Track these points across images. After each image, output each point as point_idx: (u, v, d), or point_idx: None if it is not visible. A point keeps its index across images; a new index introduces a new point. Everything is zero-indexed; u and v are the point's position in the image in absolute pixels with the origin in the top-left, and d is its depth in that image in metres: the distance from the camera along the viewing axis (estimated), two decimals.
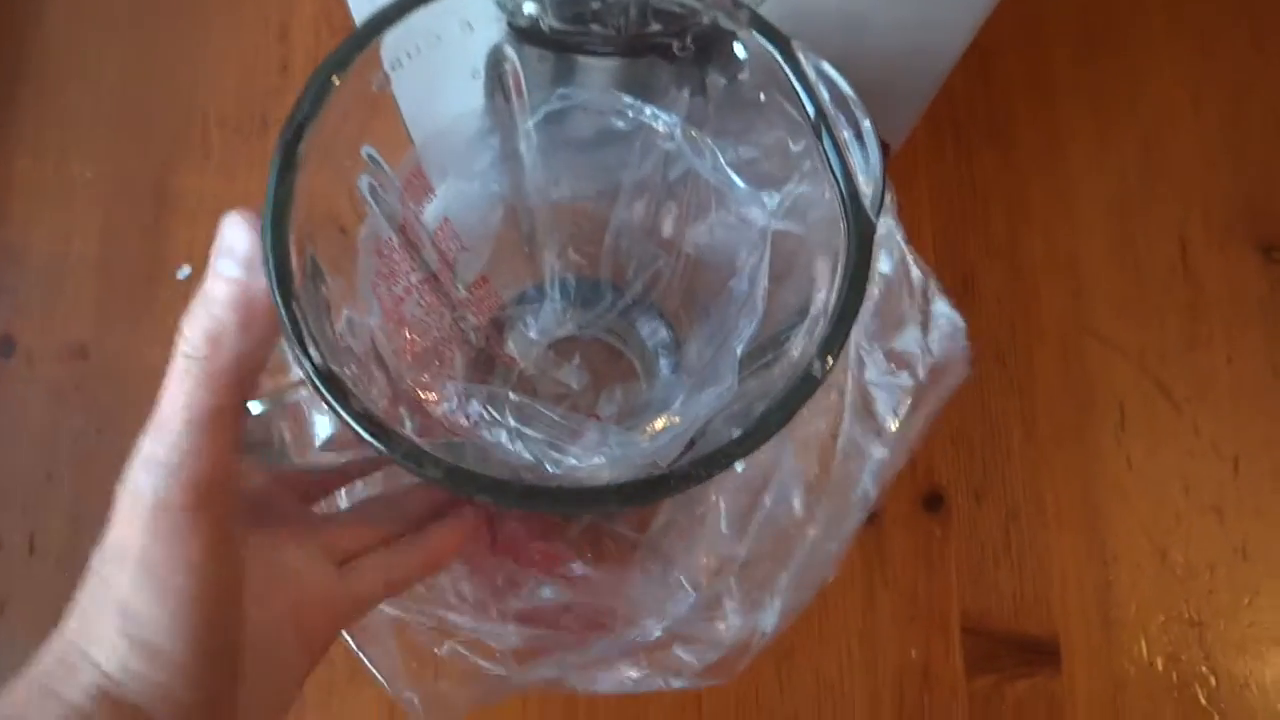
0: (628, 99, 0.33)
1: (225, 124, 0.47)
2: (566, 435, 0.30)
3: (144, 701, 0.21)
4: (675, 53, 0.34)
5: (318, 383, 0.22)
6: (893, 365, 0.33)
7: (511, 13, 0.32)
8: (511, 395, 0.30)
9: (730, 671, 0.33)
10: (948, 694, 0.41)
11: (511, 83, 0.32)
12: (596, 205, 0.37)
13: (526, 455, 0.28)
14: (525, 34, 0.33)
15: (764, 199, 0.32)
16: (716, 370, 0.32)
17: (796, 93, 0.27)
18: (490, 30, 0.30)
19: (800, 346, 0.27)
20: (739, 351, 0.30)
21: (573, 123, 0.33)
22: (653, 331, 0.42)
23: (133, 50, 0.48)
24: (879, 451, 0.33)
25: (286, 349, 0.23)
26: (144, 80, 0.48)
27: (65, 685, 0.21)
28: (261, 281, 0.21)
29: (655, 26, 0.33)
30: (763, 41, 0.27)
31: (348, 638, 0.34)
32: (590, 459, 0.29)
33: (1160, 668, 0.42)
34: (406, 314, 0.32)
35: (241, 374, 0.22)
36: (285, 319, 0.22)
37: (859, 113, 0.26)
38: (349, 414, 0.22)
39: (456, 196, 0.34)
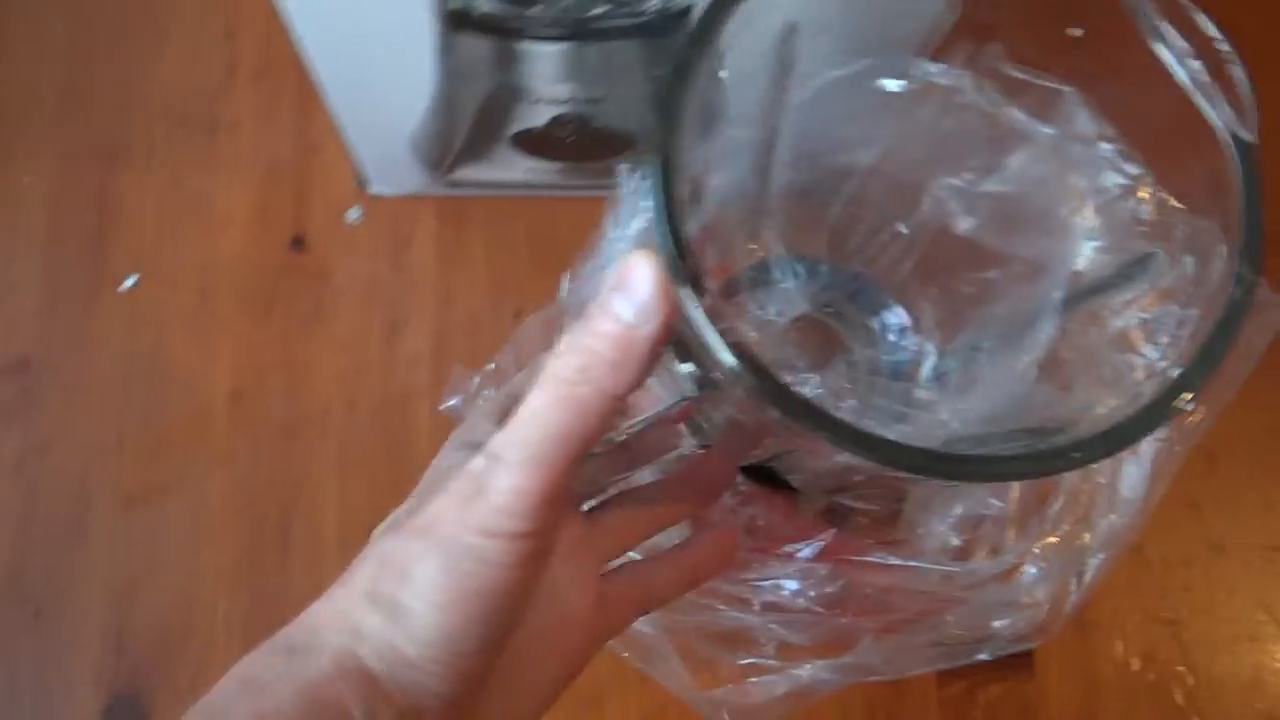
0: (912, 59, 0.33)
1: (171, 125, 0.46)
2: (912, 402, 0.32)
3: (384, 671, 0.22)
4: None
5: (757, 374, 0.22)
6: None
7: None
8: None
9: (1046, 632, 0.34)
10: (919, 700, 0.41)
11: (796, 58, 0.31)
12: (826, 181, 0.37)
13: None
14: (461, 19, 0.32)
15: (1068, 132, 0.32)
16: (1013, 327, 0.34)
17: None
18: (789, 6, 0.29)
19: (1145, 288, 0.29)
20: (1059, 297, 0.32)
21: (838, 96, 0.33)
22: (876, 301, 0.42)
23: (76, 46, 0.47)
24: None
25: (706, 338, 0.23)
26: (87, 80, 0.46)
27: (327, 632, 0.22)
28: (647, 330, 0.21)
29: (602, 8, 0.32)
30: None
31: (629, 657, 0.34)
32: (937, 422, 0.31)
33: (1136, 668, 0.41)
34: None
35: (601, 410, 0.22)
36: (703, 309, 0.23)
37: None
38: (787, 401, 0.22)
39: (713, 190, 0.34)
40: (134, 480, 0.42)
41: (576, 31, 0.32)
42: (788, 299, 0.40)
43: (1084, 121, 0.32)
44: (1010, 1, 0.32)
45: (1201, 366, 0.25)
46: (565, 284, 0.37)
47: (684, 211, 0.23)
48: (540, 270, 0.44)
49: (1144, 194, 0.32)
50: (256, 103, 0.45)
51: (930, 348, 0.41)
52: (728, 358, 0.23)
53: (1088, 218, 0.33)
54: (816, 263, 0.42)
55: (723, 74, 0.28)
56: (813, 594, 0.36)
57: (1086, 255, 0.34)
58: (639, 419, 0.27)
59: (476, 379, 0.41)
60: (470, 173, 0.42)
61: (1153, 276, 0.30)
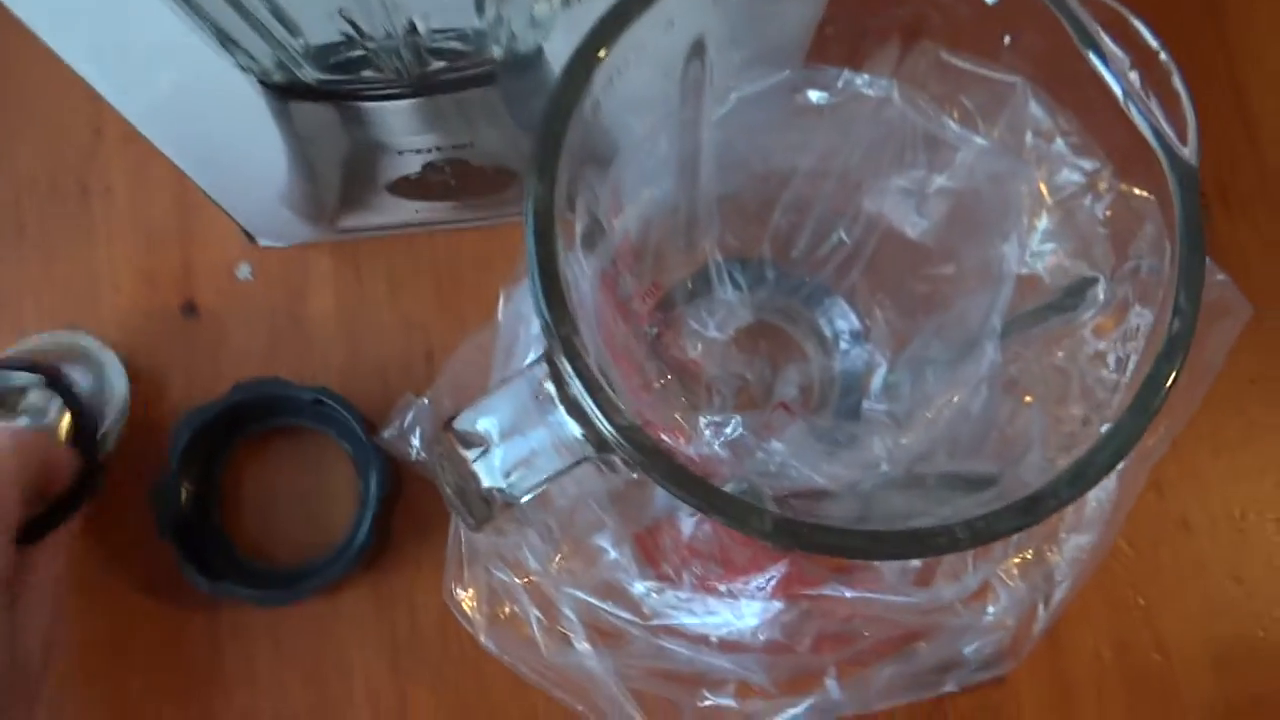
0: (834, 70, 0.31)
1: (40, 197, 0.43)
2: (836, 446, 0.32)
3: None
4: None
5: (635, 446, 0.22)
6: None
7: (261, 73, 0.28)
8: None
9: (1014, 658, 0.34)
10: (884, 714, 0.39)
11: (707, 74, 0.29)
12: (762, 188, 0.35)
13: (802, 475, 0.29)
14: (287, 90, 0.29)
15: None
16: (962, 343, 0.32)
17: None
18: (690, 23, 0.27)
19: (1089, 315, 0.27)
20: (997, 324, 0.30)
21: (759, 107, 0.31)
22: (828, 306, 0.40)
23: None
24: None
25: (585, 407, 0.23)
26: None
27: None
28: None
29: (439, 64, 0.29)
30: None
31: (583, 710, 0.34)
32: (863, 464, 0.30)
33: (1109, 658, 0.40)
34: (619, 346, 0.30)
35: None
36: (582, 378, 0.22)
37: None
38: (668, 473, 0.22)
39: (637, 208, 0.33)
40: None
41: (420, 88, 0.29)
42: (730, 309, 0.38)
43: (1036, 114, 0.29)
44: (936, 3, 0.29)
45: (1133, 422, 0.23)
46: (501, 301, 0.35)
47: (559, 280, 0.22)
48: (448, 307, 0.42)
49: (1102, 187, 0.29)
50: (128, 166, 0.42)
51: (881, 358, 0.39)
52: (606, 428, 0.22)
53: (1044, 217, 0.31)
54: (761, 269, 0.39)
55: (611, 107, 0.25)
56: (773, 625, 0.34)
57: (1044, 259, 0.31)
58: (537, 481, 0.26)
59: (410, 413, 0.39)
60: (358, 219, 0.39)
61: (1090, 304, 0.28)
